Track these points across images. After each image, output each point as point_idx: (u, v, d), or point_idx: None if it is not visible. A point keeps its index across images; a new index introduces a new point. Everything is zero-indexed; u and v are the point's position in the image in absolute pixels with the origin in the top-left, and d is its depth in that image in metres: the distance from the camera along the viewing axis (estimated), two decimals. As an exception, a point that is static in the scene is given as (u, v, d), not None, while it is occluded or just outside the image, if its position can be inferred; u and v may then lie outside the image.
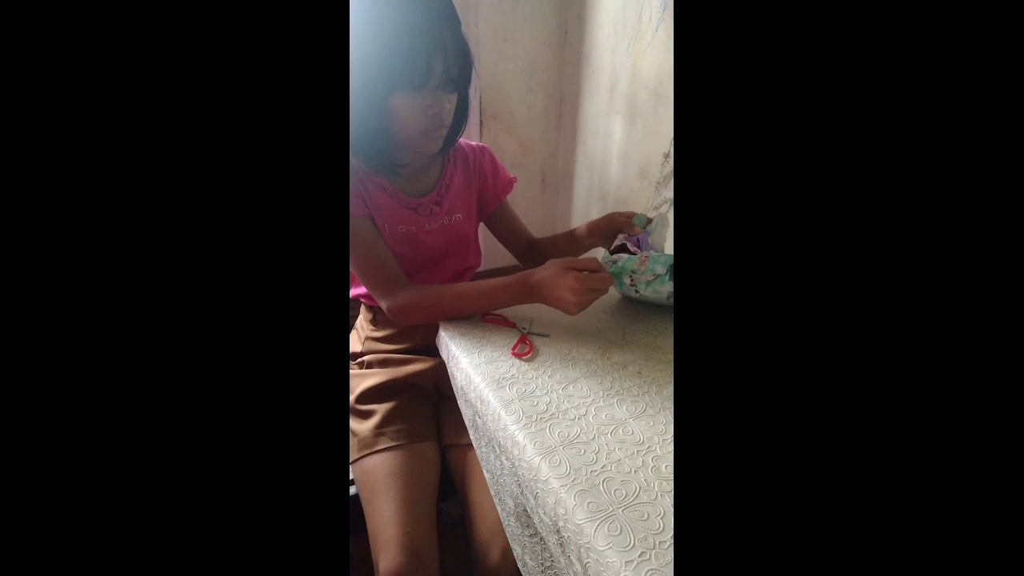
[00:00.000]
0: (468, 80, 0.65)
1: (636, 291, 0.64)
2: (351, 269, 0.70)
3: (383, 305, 0.67)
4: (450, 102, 0.64)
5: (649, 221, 0.70)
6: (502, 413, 0.48)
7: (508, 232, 0.84)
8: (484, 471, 0.58)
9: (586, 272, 0.57)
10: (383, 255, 0.67)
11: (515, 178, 0.83)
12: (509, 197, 0.83)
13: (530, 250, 0.85)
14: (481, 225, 0.84)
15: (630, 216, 0.71)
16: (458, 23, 0.61)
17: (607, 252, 0.71)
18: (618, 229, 0.72)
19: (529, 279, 0.60)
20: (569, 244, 0.80)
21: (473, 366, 0.56)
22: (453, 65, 0.60)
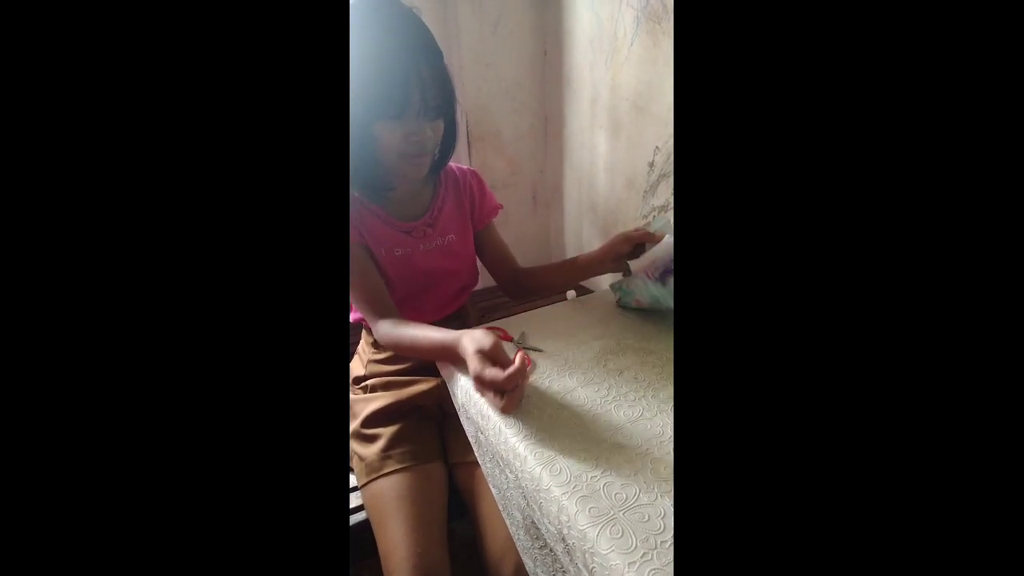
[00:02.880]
0: (452, 108, 0.67)
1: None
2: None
3: (372, 329, 0.69)
4: (432, 129, 0.65)
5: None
6: (503, 427, 0.49)
7: (491, 257, 0.84)
8: (491, 487, 0.58)
9: (495, 370, 0.50)
10: (374, 283, 0.69)
11: (501, 205, 0.84)
12: (500, 218, 0.84)
13: (515, 279, 0.83)
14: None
15: (639, 235, 0.69)
16: (438, 54, 0.63)
17: (621, 280, 0.71)
18: (624, 253, 0.70)
19: (459, 339, 0.56)
20: (565, 273, 0.78)
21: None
22: (433, 95, 0.62)
